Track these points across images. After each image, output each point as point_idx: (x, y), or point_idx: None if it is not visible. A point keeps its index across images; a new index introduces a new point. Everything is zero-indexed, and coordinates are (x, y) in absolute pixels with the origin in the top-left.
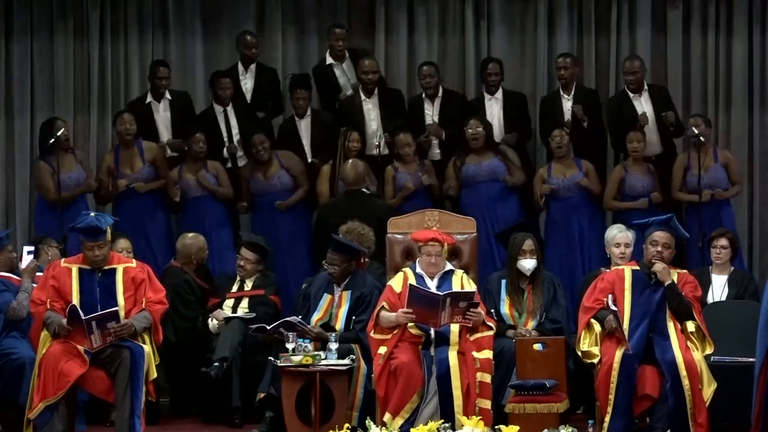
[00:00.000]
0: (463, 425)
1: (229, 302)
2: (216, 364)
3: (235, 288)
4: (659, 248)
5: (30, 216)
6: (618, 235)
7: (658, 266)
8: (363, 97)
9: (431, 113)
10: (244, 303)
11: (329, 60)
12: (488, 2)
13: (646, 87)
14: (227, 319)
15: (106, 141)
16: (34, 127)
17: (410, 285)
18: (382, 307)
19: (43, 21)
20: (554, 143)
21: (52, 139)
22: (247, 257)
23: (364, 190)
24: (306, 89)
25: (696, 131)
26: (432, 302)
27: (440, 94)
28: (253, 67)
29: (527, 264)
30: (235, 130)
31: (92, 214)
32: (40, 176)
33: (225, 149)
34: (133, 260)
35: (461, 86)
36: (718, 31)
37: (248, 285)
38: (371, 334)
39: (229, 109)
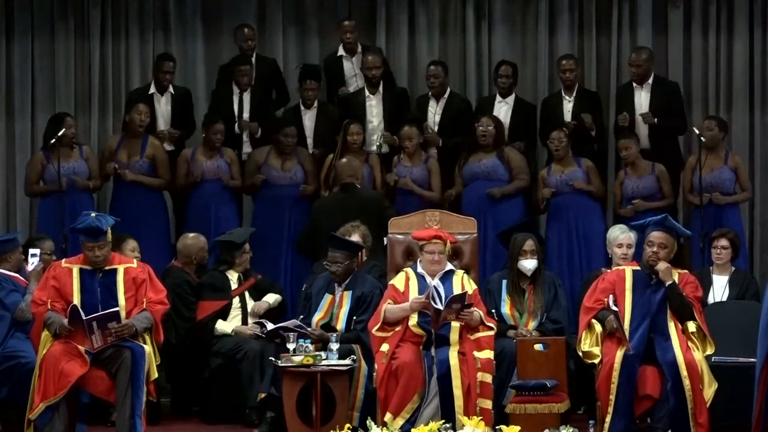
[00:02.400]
0: (463, 425)
1: (236, 302)
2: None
3: (235, 285)
4: (655, 249)
5: (31, 216)
6: (621, 235)
7: (662, 265)
8: (366, 93)
9: (434, 112)
10: (246, 295)
11: (341, 52)
12: (489, 2)
13: (651, 80)
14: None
15: (106, 140)
16: (35, 127)
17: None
18: (388, 302)
19: (44, 21)
20: (552, 146)
21: (53, 140)
22: (246, 254)
23: (357, 184)
24: (316, 80)
25: (697, 131)
26: (435, 313)
27: (446, 95)
28: (252, 59)
29: (528, 264)
30: (246, 115)
31: (93, 214)
32: (31, 165)
33: (236, 125)
34: (134, 260)
35: (462, 86)
36: (719, 31)
37: (242, 278)
38: (374, 330)
39: (246, 95)
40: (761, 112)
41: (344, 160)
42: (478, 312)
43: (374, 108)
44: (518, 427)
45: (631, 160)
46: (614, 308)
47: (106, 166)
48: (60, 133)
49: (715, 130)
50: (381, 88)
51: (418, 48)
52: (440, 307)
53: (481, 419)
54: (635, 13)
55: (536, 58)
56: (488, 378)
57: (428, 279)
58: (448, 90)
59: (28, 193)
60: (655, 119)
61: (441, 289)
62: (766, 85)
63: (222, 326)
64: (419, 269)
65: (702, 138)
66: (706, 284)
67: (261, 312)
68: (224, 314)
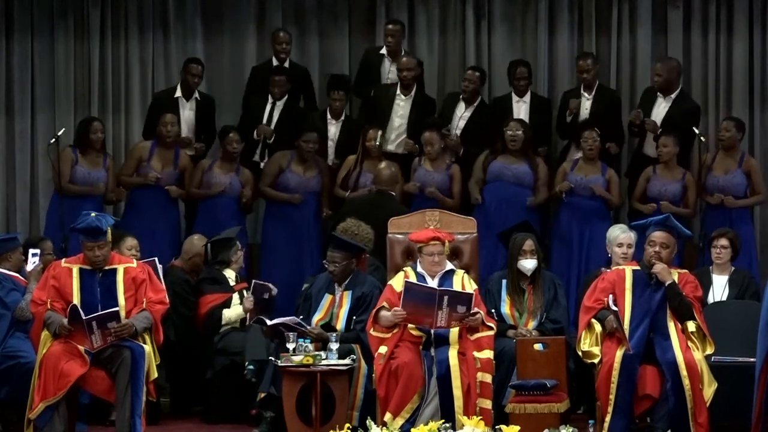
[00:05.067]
0: (463, 425)
1: (236, 298)
2: (251, 367)
3: (233, 282)
4: (657, 248)
5: (31, 216)
6: (621, 235)
7: (658, 267)
8: (398, 92)
9: (459, 115)
10: (245, 293)
11: (384, 51)
12: (489, 2)
13: (677, 91)
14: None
15: (106, 141)
16: (35, 127)
17: (405, 282)
18: (382, 306)
19: (44, 21)
20: (586, 145)
21: (52, 140)
22: (240, 251)
23: (392, 193)
24: (344, 90)
25: (697, 131)
26: (428, 299)
27: (477, 102)
28: (286, 64)
29: (528, 264)
30: (274, 123)
31: (93, 214)
32: (63, 160)
33: (255, 130)
34: (134, 260)
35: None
36: (719, 31)
37: (239, 277)
38: (371, 331)
39: (278, 104)
40: (761, 112)
41: (383, 165)
42: (480, 313)
43: (401, 109)
44: (518, 427)
45: (666, 159)
46: (614, 308)
47: (147, 176)
48: (60, 133)
49: (732, 131)
50: (413, 92)
51: (417, 48)
52: (429, 287)
53: (480, 419)
54: (635, 13)
55: (536, 58)
56: (488, 378)
57: (428, 279)
58: (480, 98)
59: (61, 188)
60: (658, 130)
61: (431, 285)
62: (766, 85)
63: (228, 313)
64: (419, 269)
65: (702, 138)
66: (706, 284)
67: (251, 306)
68: (226, 307)
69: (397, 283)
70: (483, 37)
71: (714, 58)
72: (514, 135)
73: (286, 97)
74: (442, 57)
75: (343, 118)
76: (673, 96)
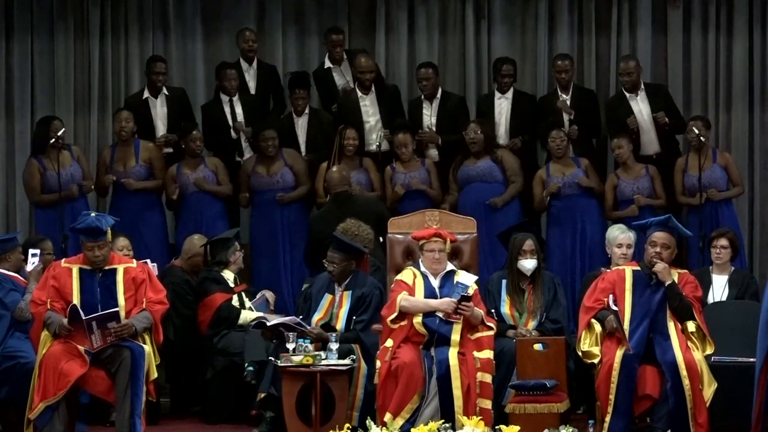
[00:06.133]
0: (463, 425)
1: (235, 300)
2: (251, 368)
3: (232, 284)
4: (658, 249)
5: (30, 216)
6: (620, 235)
7: (659, 266)
8: (360, 93)
9: (429, 114)
10: (243, 295)
11: (327, 64)
12: (489, 2)
13: (642, 87)
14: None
15: (106, 140)
16: (35, 127)
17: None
18: (404, 293)
19: (44, 20)
20: (554, 144)
21: (53, 140)
22: (239, 252)
23: (348, 190)
24: (305, 88)
25: (696, 132)
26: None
27: (439, 95)
28: (254, 64)
29: (528, 264)
30: (240, 119)
31: (93, 214)
32: (29, 174)
33: (232, 129)
34: (134, 260)
35: (462, 86)
36: (719, 30)
37: (237, 279)
38: (388, 320)
39: (235, 100)
40: (761, 111)
41: (333, 169)
42: (479, 311)
43: (369, 108)
44: (518, 427)
45: (623, 159)
46: (614, 308)
47: (104, 179)
48: (53, 140)
49: (702, 131)
50: (373, 88)
51: (417, 48)
52: (435, 284)
53: (480, 419)
54: (635, 13)
55: (536, 58)
56: (488, 378)
57: (431, 278)
58: (440, 90)
59: (36, 202)
60: (666, 119)
61: (434, 284)
62: (765, 84)
63: (246, 315)
64: (422, 268)
65: (702, 138)
66: (706, 284)
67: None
68: None
69: (406, 277)
70: (483, 37)
71: (714, 58)
72: (474, 138)
73: (239, 92)
74: (442, 57)
75: (307, 112)
76: (642, 89)
